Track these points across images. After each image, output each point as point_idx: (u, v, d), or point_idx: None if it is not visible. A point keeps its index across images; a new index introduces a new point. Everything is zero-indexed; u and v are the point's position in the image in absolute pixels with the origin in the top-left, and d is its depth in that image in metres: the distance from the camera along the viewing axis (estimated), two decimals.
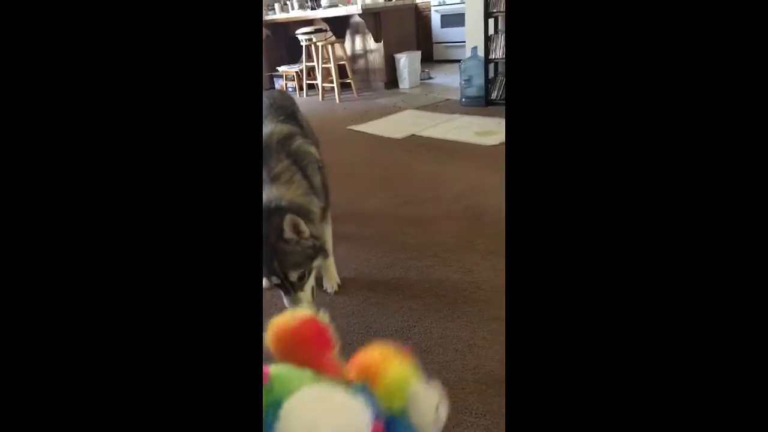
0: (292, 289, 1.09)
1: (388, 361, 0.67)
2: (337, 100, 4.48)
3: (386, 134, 3.19)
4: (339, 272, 1.53)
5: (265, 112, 1.34)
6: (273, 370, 0.61)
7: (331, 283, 1.48)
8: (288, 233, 1.06)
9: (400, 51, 4.87)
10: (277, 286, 1.11)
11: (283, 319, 0.69)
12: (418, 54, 4.99)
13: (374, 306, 1.38)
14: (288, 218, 1.04)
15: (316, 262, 1.14)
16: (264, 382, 0.57)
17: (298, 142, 1.26)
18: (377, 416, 0.59)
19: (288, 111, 1.38)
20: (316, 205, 1.21)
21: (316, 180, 1.25)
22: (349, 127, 3.44)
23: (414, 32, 5.27)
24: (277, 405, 0.55)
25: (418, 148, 2.85)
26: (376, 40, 4.80)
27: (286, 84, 5.16)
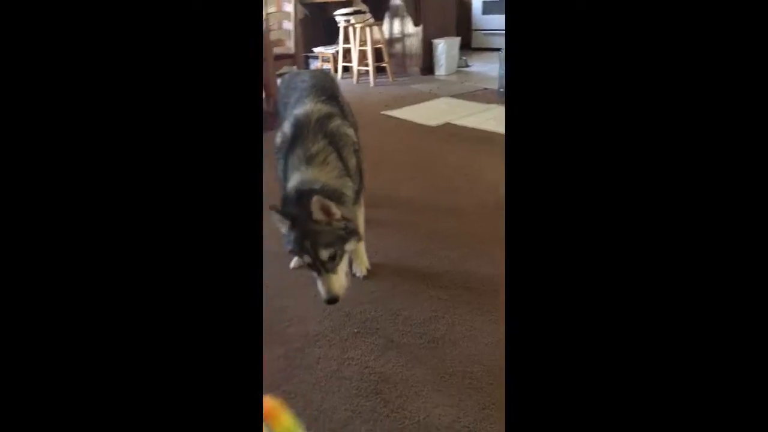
0: (323, 268, 1.09)
1: (280, 410, 0.70)
2: (372, 84, 4.44)
3: (420, 121, 3.14)
4: (368, 257, 1.53)
5: (306, 91, 1.33)
6: None
7: (361, 267, 1.48)
8: (317, 214, 1.05)
9: (438, 36, 4.76)
10: (309, 266, 1.12)
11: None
12: (457, 40, 4.87)
13: (402, 293, 1.38)
14: (315, 200, 1.03)
15: (349, 245, 1.14)
16: None
17: (336, 122, 1.25)
18: None
19: (329, 92, 1.36)
20: (349, 188, 1.20)
21: (352, 162, 1.25)
22: (383, 112, 3.40)
23: (454, 18, 5.14)
24: None
25: (452, 137, 2.79)
26: (415, 24, 4.71)
27: (321, 65, 5.14)
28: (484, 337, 1.18)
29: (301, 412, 0.99)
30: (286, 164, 1.20)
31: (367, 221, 1.78)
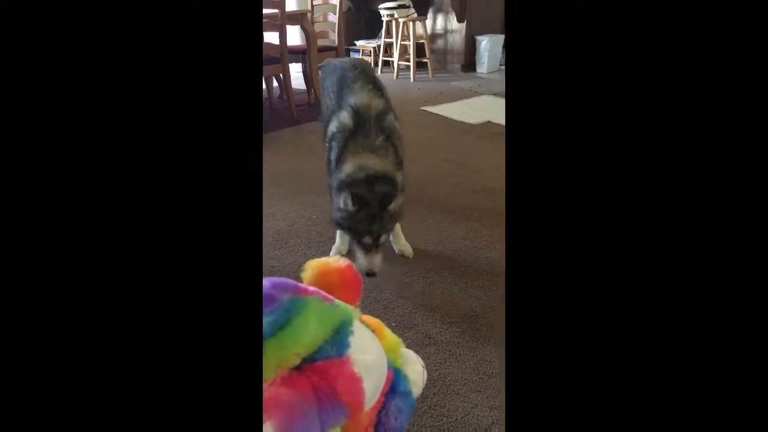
0: (375, 249, 1.25)
1: (382, 327, 0.79)
2: (412, 79, 4.42)
3: (460, 118, 3.11)
4: (414, 248, 1.52)
5: (351, 72, 1.47)
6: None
7: (404, 249, 1.56)
8: (393, 206, 1.22)
9: (482, 33, 4.68)
10: (361, 246, 1.25)
11: (325, 262, 0.77)
12: (500, 38, 4.77)
13: (441, 291, 1.37)
14: (400, 199, 1.24)
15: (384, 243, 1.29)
16: (328, 300, 0.66)
17: (390, 117, 1.37)
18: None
19: (372, 78, 1.50)
20: (401, 178, 1.32)
21: (401, 154, 1.36)
22: (423, 108, 3.38)
23: (500, 15, 5.04)
24: (349, 321, 0.65)
25: (492, 136, 2.75)
26: (459, 20, 4.65)
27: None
28: None
29: None
30: (342, 150, 1.30)
31: (404, 217, 1.77)
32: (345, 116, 1.32)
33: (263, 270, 1.58)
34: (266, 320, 0.56)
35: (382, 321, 1.28)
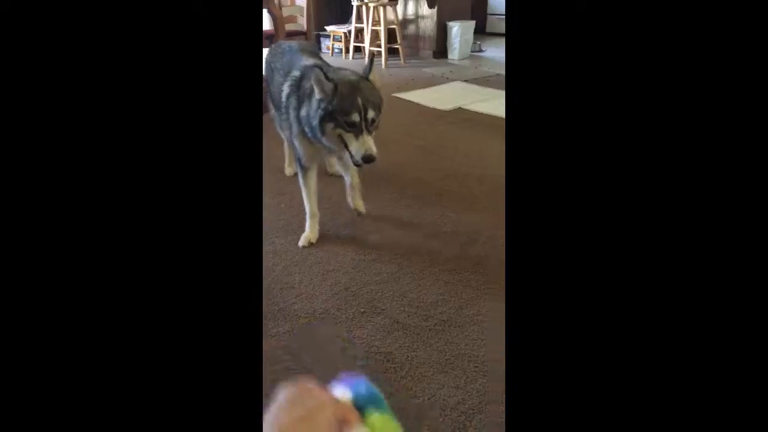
0: (366, 128, 1.21)
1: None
2: (383, 66, 4.38)
3: (432, 105, 3.10)
4: (376, 238, 1.52)
5: (298, 53, 1.57)
6: None
7: (358, 205, 1.67)
8: (372, 77, 1.28)
9: (453, 19, 4.67)
10: (350, 130, 1.22)
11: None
12: (471, 24, 4.77)
13: (409, 276, 1.37)
14: (374, 71, 1.30)
15: (374, 129, 1.28)
16: None
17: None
18: None
19: (317, 54, 1.65)
20: None
21: None
22: (394, 95, 3.36)
23: (469, 1, 5.03)
24: None
25: (464, 122, 2.76)
26: (430, 6, 4.62)
27: (333, 44, 5.07)
28: (491, 322, 1.18)
29: None
30: (299, 90, 1.35)
31: (374, 202, 1.76)
32: (294, 73, 1.41)
33: None
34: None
35: (351, 307, 1.28)
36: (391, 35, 4.48)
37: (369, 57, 1.37)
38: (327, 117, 1.22)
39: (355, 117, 1.19)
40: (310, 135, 1.31)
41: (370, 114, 1.21)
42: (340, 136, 1.24)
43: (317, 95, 1.23)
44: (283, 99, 1.44)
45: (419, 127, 2.70)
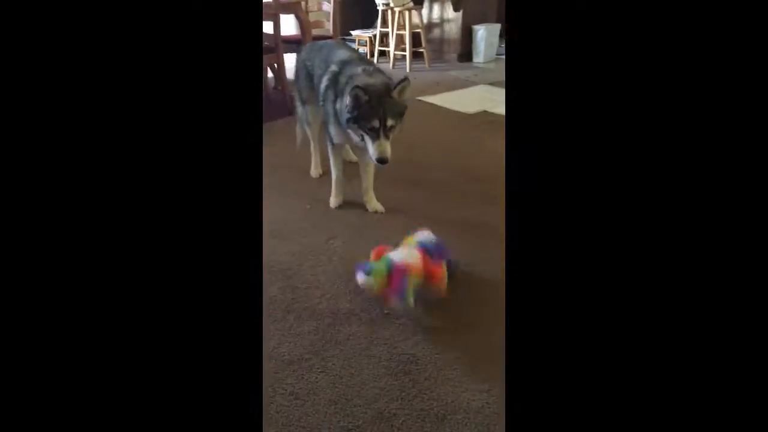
0: (383, 134, 1.39)
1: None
2: (408, 69, 4.39)
3: (456, 108, 3.09)
4: (397, 241, 1.53)
5: (335, 47, 1.69)
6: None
7: (376, 206, 1.76)
8: (395, 93, 1.40)
9: (478, 23, 4.64)
10: (370, 133, 1.39)
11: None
12: (497, 27, 4.73)
13: None
14: (402, 84, 1.40)
15: (398, 129, 1.46)
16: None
17: (372, 61, 1.66)
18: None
19: (353, 50, 1.75)
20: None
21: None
22: (419, 98, 3.36)
23: (495, 4, 4.99)
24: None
25: (488, 125, 2.74)
26: (455, 10, 4.60)
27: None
28: None
29: (330, 386, 1.01)
30: (336, 85, 1.50)
31: (398, 204, 1.77)
32: (333, 67, 1.54)
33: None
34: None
35: (375, 308, 1.28)
36: (416, 39, 4.49)
37: (402, 78, 1.44)
38: (353, 120, 1.41)
39: (375, 124, 1.37)
40: (341, 124, 1.51)
41: (390, 122, 1.39)
42: (362, 135, 1.43)
43: (348, 101, 1.39)
44: (322, 91, 1.58)
45: (443, 130, 2.70)
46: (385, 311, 1.24)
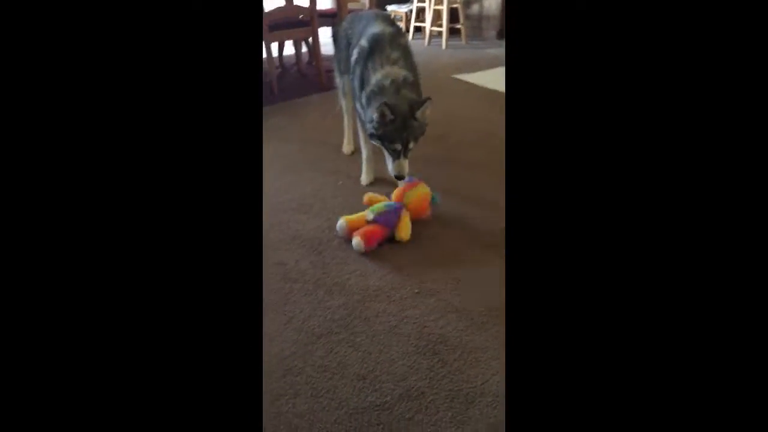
0: (403, 154, 1.46)
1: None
2: (444, 46, 4.26)
3: (494, 87, 2.99)
4: (431, 221, 1.50)
5: (373, 19, 1.66)
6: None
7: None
8: (420, 115, 1.43)
9: None
10: (391, 152, 1.47)
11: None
12: None
13: (465, 260, 1.34)
14: (426, 104, 1.43)
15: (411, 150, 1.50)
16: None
17: (404, 39, 1.62)
18: None
19: (390, 21, 1.72)
20: (420, 90, 1.52)
21: (418, 71, 1.58)
22: (454, 76, 3.27)
23: None
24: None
25: None
26: None
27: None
28: None
29: (358, 361, 1.01)
30: (363, 70, 1.52)
31: (432, 183, 1.74)
32: (363, 41, 1.56)
33: (288, 234, 1.58)
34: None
35: (405, 287, 1.28)
36: (453, 15, 4.34)
37: (425, 98, 1.45)
38: (376, 137, 1.47)
39: (398, 147, 1.44)
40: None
41: (411, 145, 1.46)
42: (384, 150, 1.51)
43: (374, 116, 1.42)
44: (352, 64, 1.61)
45: (480, 109, 2.62)
46: (415, 290, 1.23)
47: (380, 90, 1.43)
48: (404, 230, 1.42)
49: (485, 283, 1.24)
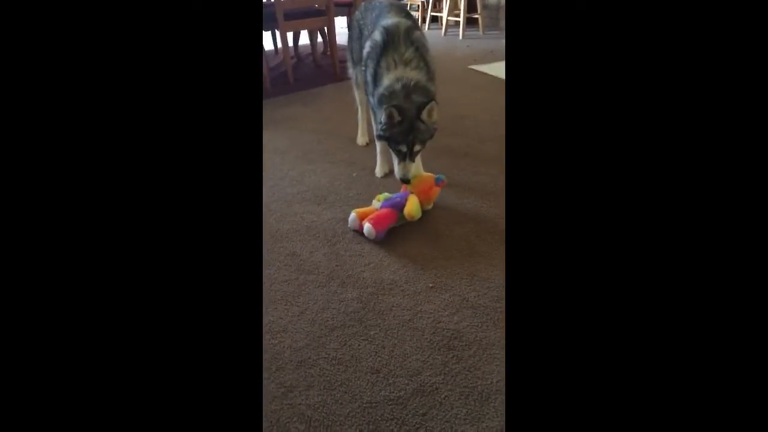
0: (409, 157, 1.43)
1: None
2: (461, 36, 4.20)
3: None
4: (446, 213, 1.48)
5: (386, 9, 1.62)
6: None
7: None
8: (426, 117, 1.39)
9: None
10: (397, 154, 1.44)
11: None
12: None
13: (479, 255, 1.32)
14: (430, 105, 1.39)
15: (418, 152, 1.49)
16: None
17: (418, 33, 1.55)
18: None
19: (404, 11, 1.67)
20: (433, 88, 1.47)
21: (432, 67, 1.52)
22: (471, 67, 3.21)
23: None
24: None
25: None
26: None
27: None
28: None
29: (372, 355, 1.00)
30: (376, 67, 1.49)
31: (446, 175, 1.72)
32: (376, 34, 1.51)
33: (302, 225, 1.58)
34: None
35: (420, 281, 1.26)
36: (471, 4, 4.26)
37: (429, 99, 1.41)
38: (384, 138, 1.46)
39: (403, 149, 1.43)
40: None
41: (417, 147, 1.44)
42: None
43: (382, 118, 1.41)
44: (364, 57, 1.58)
45: (496, 101, 2.57)
46: (430, 284, 1.21)
47: (391, 95, 1.41)
48: (413, 207, 1.40)
49: (500, 278, 1.22)
